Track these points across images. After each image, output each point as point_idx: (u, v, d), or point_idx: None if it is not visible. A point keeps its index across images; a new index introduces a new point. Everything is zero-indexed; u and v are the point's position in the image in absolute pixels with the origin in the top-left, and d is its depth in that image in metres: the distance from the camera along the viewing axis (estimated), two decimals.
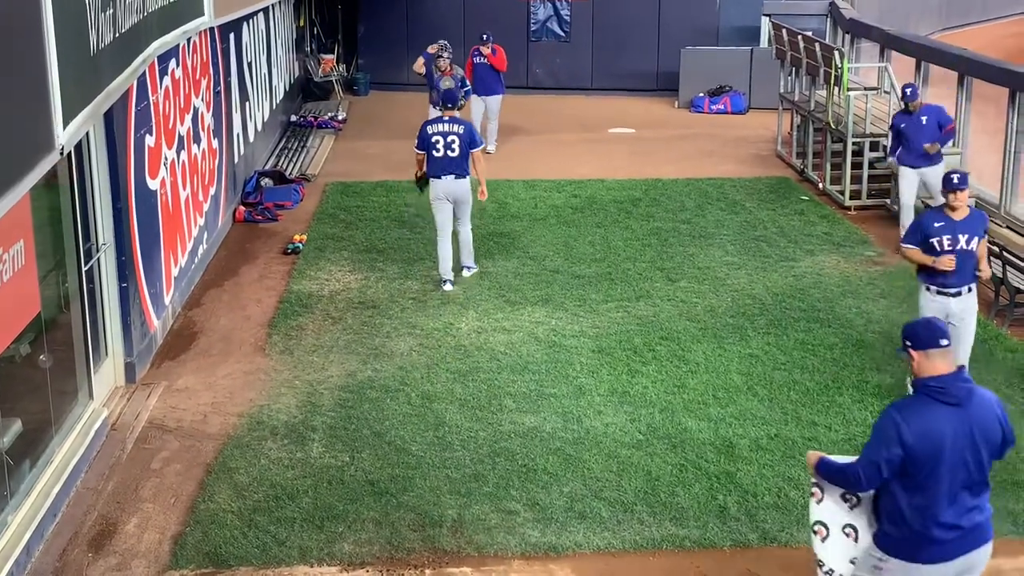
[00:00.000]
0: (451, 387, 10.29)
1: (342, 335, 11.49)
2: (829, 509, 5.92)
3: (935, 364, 5.60)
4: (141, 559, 7.75)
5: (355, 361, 10.86)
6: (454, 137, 12.61)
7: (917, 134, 13.80)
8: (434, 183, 12.75)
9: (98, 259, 9.98)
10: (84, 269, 9.48)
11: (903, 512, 5.59)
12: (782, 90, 19.68)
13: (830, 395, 10.15)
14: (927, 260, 9.47)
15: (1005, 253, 12.05)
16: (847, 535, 5.87)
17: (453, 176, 12.67)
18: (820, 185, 17.11)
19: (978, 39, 30.36)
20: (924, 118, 13.76)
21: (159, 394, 10.26)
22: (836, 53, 16.75)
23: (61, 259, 9.17)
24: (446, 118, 12.79)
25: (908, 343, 5.69)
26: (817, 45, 17.61)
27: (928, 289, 9.63)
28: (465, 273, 13.12)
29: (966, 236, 9.45)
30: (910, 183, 14.08)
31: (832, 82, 16.65)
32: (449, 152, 12.62)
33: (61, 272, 9.17)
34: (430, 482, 8.66)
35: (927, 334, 5.64)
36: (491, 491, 8.54)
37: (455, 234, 13.00)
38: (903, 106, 13.95)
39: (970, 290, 9.63)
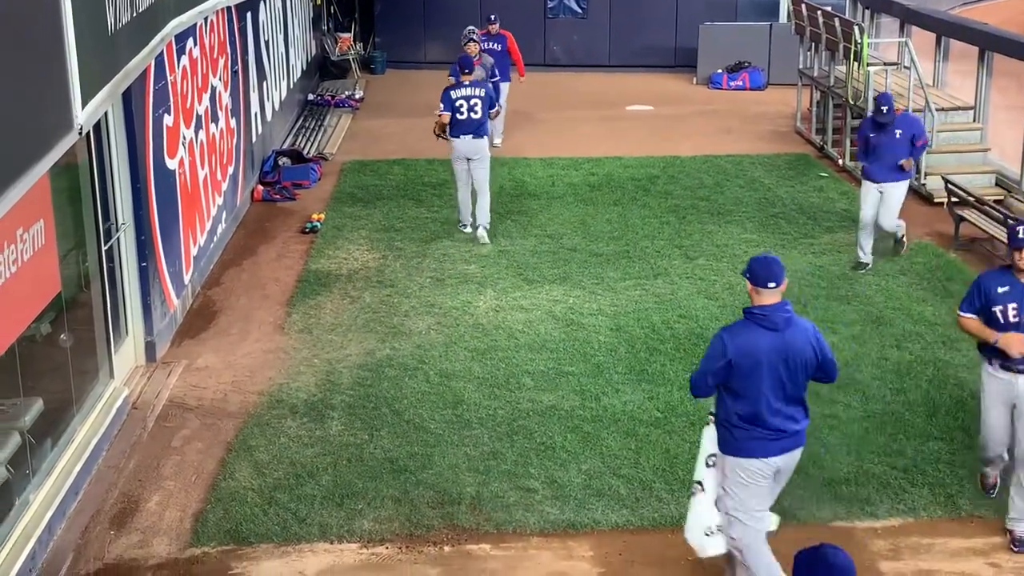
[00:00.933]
0: (469, 365, 10.30)
1: (360, 314, 11.51)
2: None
3: (763, 298, 6.65)
4: (163, 536, 7.80)
5: (373, 340, 10.88)
6: (476, 100, 13.64)
7: (889, 147, 12.35)
8: (455, 144, 13.72)
9: (117, 239, 10.01)
10: (104, 249, 9.51)
11: (732, 417, 6.68)
12: (801, 66, 19.56)
13: (849, 372, 10.12)
14: (989, 336, 7.59)
15: None
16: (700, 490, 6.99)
17: (471, 136, 13.64)
18: (840, 161, 17.03)
19: (999, 14, 30.09)
20: (899, 132, 12.34)
21: (179, 373, 10.31)
22: (856, 28, 16.63)
23: (81, 239, 9.20)
24: (467, 82, 13.74)
25: (747, 275, 6.71)
26: (837, 20, 17.49)
27: (990, 363, 7.71)
28: (481, 232, 13.76)
29: None
30: (872, 200, 12.61)
31: (852, 57, 16.53)
32: (472, 114, 13.61)
33: (81, 252, 9.20)
34: (449, 460, 8.69)
35: (763, 274, 6.62)
36: (509, 469, 8.56)
37: (475, 202, 13.77)
38: (875, 115, 12.49)
39: None
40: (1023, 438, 7.63)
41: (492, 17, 18.47)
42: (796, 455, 6.85)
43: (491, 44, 17.97)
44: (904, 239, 12.99)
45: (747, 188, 15.91)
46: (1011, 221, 12.10)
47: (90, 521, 7.99)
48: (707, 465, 6.89)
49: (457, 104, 13.59)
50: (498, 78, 16.31)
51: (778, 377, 6.59)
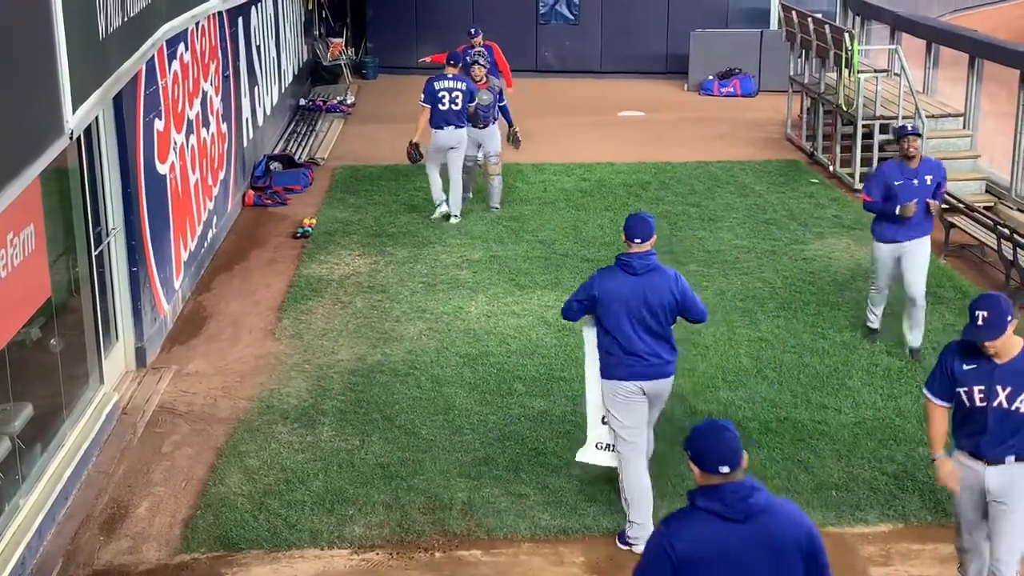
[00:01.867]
0: (461, 371, 10.30)
1: (352, 319, 11.50)
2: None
3: (632, 248, 7.64)
4: (152, 542, 7.78)
5: (365, 345, 10.87)
6: (458, 92, 14.35)
7: (918, 196, 10.26)
8: (436, 134, 14.44)
9: (108, 244, 10.00)
10: (94, 254, 9.49)
11: (605, 347, 7.67)
12: (792, 72, 19.61)
13: (840, 378, 10.14)
14: (930, 448, 6.72)
15: (1016, 235, 12.01)
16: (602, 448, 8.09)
17: (453, 127, 14.39)
18: (830, 168, 17.07)
19: (989, 21, 30.23)
20: (928, 177, 10.32)
21: (169, 378, 10.29)
22: (846, 35, 16.68)
23: (71, 244, 9.18)
24: (450, 75, 14.43)
25: (624, 230, 7.65)
26: (827, 27, 17.54)
27: (960, 450, 6.63)
28: (453, 220, 14.57)
29: (1009, 388, 6.33)
30: (892, 265, 10.52)
31: (842, 64, 16.58)
32: (453, 106, 14.33)
33: (71, 257, 9.18)
34: (440, 465, 8.68)
35: (633, 230, 7.61)
36: (501, 474, 8.55)
37: (446, 179, 14.62)
38: (901, 154, 10.37)
39: (1019, 458, 6.43)
40: (996, 544, 6.60)
41: (473, 30, 17.36)
42: (663, 383, 7.75)
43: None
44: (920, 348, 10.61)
45: (738, 194, 15.94)
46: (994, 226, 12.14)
47: (80, 527, 7.97)
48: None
49: (439, 95, 14.28)
50: (505, 103, 15.04)
51: (640, 314, 7.54)
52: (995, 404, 6.31)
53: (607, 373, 7.72)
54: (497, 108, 14.89)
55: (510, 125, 15.22)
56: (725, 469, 4.62)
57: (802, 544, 4.67)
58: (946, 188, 10.70)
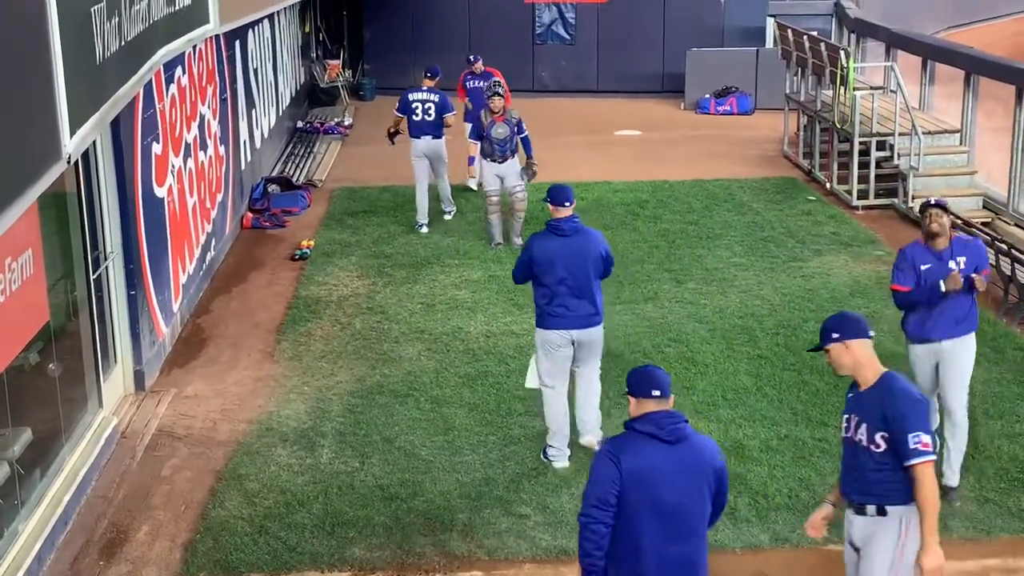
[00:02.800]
0: (460, 391, 10.28)
1: (351, 341, 11.49)
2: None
3: (559, 213, 8.85)
4: (152, 567, 7.75)
5: (364, 366, 10.86)
6: (431, 104, 15.08)
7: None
8: (415, 142, 15.16)
9: (106, 267, 9.99)
10: (92, 277, 9.49)
11: (537, 300, 8.84)
12: (788, 90, 19.66)
13: (840, 395, 10.07)
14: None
15: (1014, 251, 12.02)
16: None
17: (430, 136, 15.11)
18: (827, 185, 17.09)
19: (985, 37, 30.31)
20: (962, 260, 8.33)
21: (168, 401, 10.27)
22: (842, 52, 16.73)
23: (69, 268, 9.18)
24: (425, 87, 15.19)
25: (547, 199, 8.95)
26: (823, 45, 17.59)
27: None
28: (446, 217, 15.43)
29: (856, 418, 6.13)
30: (927, 367, 8.57)
31: (838, 82, 16.62)
32: (426, 116, 15.07)
33: (69, 281, 9.18)
34: (440, 486, 8.66)
35: (558, 197, 8.91)
36: (501, 495, 8.53)
37: (433, 187, 15.34)
38: (924, 233, 8.47)
39: (880, 511, 6.06)
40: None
41: (472, 57, 17.46)
42: (589, 332, 8.83)
43: (477, 82, 16.92)
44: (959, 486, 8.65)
45: (736, 212, 15.95)
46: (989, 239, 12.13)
47: (80, 551, 7.94)
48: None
49: (413, 106, 15.09)
50: (525, 133, 14.32)
51: (568, 271, 8.66)
52: (847, 435, 6.11)
53: (540, 323, 8.87)
54: (517, 140, 14.27)
55: (529, 157, 14.45)
56: (657, 392, 5.54)
57: (716, 470, 5.59)
58: (988, 272, 8.61)
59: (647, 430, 5.50)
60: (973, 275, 8.24)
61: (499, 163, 14.32)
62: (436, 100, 15.06)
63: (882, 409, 5.88)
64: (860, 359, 6.01)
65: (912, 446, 5.73)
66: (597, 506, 5.46)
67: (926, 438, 5.75)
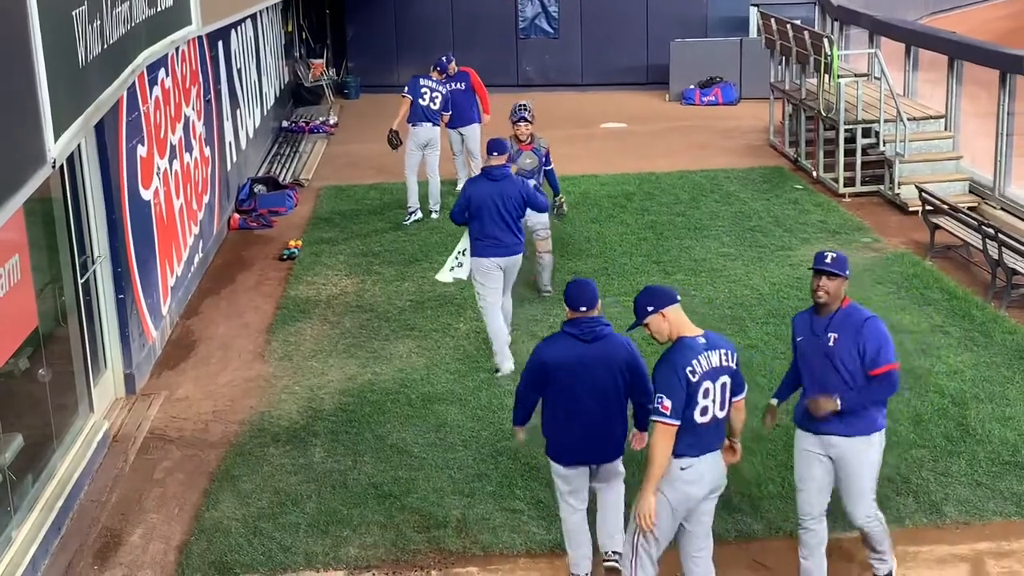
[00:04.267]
0: (451, 388, 10.28)
1: (341, 339, 11.48)
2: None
3: (491, 160, 10.54)
4: (147, 570, 7.74)
5: (354, 365, 10.85)
6: (438, 94, 15.38)
7: (823, 367, 7.00)
8: (415, 132, 15.28)
9: (94, 271, 9.97)
10: (80, 282, 9.47)
11: (473, 233, 10.40)
12: (773, 79, 19.68)
13: None
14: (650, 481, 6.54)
15: (1001, 235, 12.06)
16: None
17: (430, 124, 15.30)
18: (814, 173, 17.12)
19: (966, 22, 30.39)
20: (833, 336, 6.94)
21: (160, 404, 10.25)
22: (825, 41, 16.75)
23: (57, 273, 9.15)
24: (435, 78, 15.54)
25: (484, 152, 10.99)
26: (806, 33, 17.61)
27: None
28: (434, 216, 15.46)
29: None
30: (816, 471, 7.17)
31: (822, 70, 16.64)
32: (432, 104, 15.30)
33: (57, 286, 9.15)
34: (433, 483, 8.66)
35: (493, 147, 10.71)
36: (495, 490, 8.54)
37: (423, 185, 15.43)
38: (814, 302, 7.05)
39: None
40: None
41: (445, 58, 16.12)
42: (513, 259, 10.52)
43: (454, 84, 15.99)
44: None
45: (723, 202, 15.97)
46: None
47: (74, 557, 7.93)
48: (462, 253, 10.70)
49: (422, 90, 15.26)
50: (552, 167, 12.66)
51: (497, 210, 10.29)
52: None
53: (475, 252, 10.45)
54: (543, 173, 12.50)
55: (556, 194, 12.77)
56: (583, 308, 7.09)
57: (628, 363, 7.11)
58: (891, 364, 6.98)
59: (571, 331, 7.09)
60: (830, 404, 6.90)
61: None
62: (443, 93, 15.42)
63: None
64: (675, 323, 6.59)
65: (654, 406, 6.46)
66: (524, 383, 7.25)
67: (668, 402, 6.36)
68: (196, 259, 13.37)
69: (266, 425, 9.71)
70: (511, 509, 8.27)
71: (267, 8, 19.66)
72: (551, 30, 25.37)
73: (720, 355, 6.50)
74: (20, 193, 6.08)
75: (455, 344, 11.25)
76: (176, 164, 12.59)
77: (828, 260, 6.95)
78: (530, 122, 12.45)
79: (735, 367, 6.62)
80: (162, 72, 12.06)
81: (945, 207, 13.43)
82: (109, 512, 8.48)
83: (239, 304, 12.75)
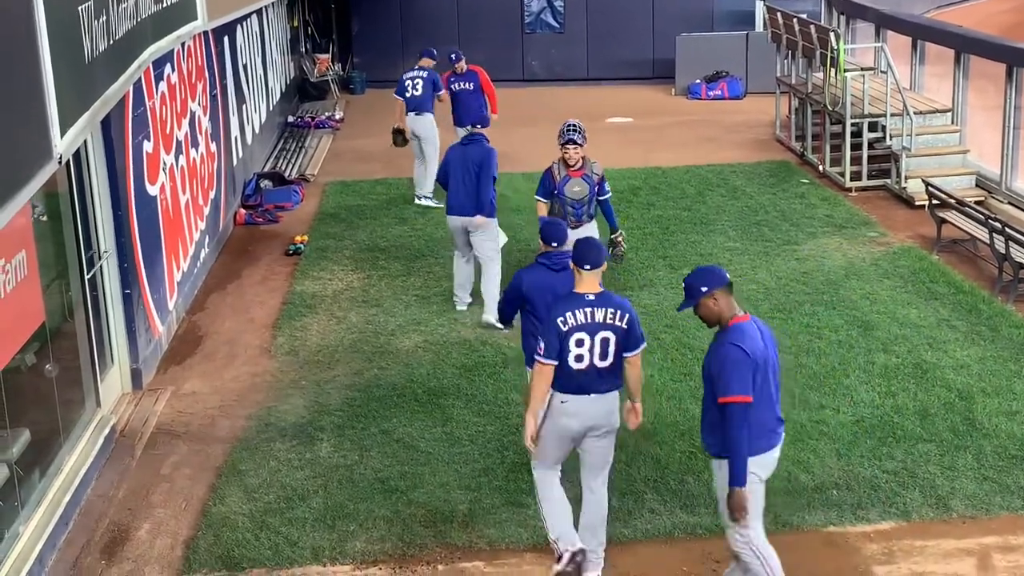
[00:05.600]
0: (457, 383, 10.29)
1: (347, 334, 11.49)
2: None
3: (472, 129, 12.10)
4: (154, 565, 7.76)
5: (361, 360, 10.86)
6: (419, 79, 15.76)
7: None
8: (406, 121, 15.89)
9: (100, 267, 9.98)
10: (87, 277, 9.48)
11: (448, 193, 11.77)
12: (779, 74, 19.65)
13: (837, 378, 10.15)
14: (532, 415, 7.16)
15: (1008, 229, 12.03)
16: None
17: (414, 113, 15.79)
18: (820, 167, 17.09)
19: (973, 16, 30.29)
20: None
21: (166, 399, 10.27)
22: (832, 35, 16.72)
23: (63, 268, 9.17)
24: (417, 67, 16.00)
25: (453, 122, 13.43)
26: (812, 27, 17.58)
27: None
28: (425, 194, 15.93)
29: None
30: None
31: (829, 64, 16.61)
32: (414, 91, 15.78)
33: (64, 281, 9.17)
34: (440, 478, 8.67)
35: (459, 117, 13.81)
36: (501, 484, 8.54)
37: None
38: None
39: None
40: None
41: (454, 56, 16.06)
42: (472, 220, 11.59)
43: (463, 84, 16.06)
44: None
45: (729, 197, 15.95)
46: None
47: (81, 551, 7.94)
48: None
49: (405, 84, 15.80)
50: (608, 194, 11.37)
51: (463, 171, 11.61)
52: None
53: (448, 212, 11.77)
54: (595, 204, 11.18)
55: (613, 230, 11.27)
56: (555, 244, 8.09)
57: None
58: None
59: (543, 262, 8.12)
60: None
61: (571, 228, 10.33)
62: (425, 76, 15.80)
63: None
64: (578, 281, 7.22)
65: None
66: (506, 301, 8.38)
67: (543, 346, 7.10)
68: (202, 254, 13.38)
69: (272, 420, 9.73)
70: (517, 503, 8.27)
71: (273, 3, 19.67)
72: (556, 24, 25.36)
73: (606, 313, 7.13)
74: (26, 189, 6.09)
75: (461, 339, 11.25)
76: (182, 160, 12.60)
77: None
78: (580, 144, 11.08)
79: (625, 326, 7.19)
80: (168, 67, 12.07)
81: (952, 201, 13.40)
82: (116, 507, 8.50)
83: (245, 299, 12.76)
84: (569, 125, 11.25)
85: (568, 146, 11.05)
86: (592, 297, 7.14)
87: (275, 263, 13.93)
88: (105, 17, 7.85)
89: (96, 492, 8.69)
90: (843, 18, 20.79)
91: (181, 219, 12.44)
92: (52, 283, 8.83)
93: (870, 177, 16.26)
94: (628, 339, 7.23)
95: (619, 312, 7.18)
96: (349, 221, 15.40)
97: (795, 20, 18.32)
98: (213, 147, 14.40)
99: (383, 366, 10.69)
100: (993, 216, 12.71)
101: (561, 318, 7.07)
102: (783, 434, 6.89)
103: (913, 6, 27.24)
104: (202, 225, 13.45)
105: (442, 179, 11.82)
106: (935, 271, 12.71)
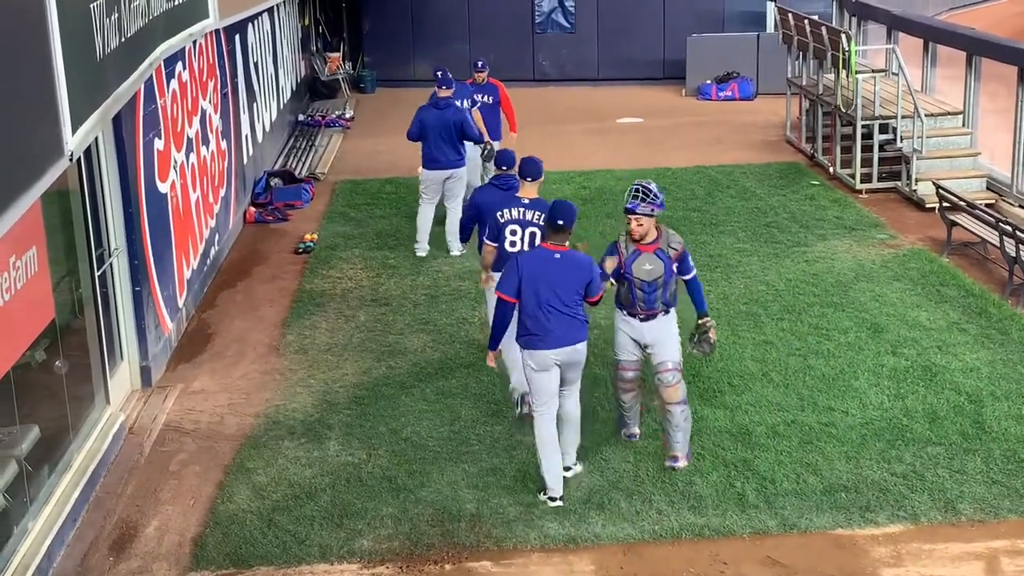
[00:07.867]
0: (466, 382, 10.29)
1: (356, 333, 11.50)
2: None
3: (441, 92, 13.51)
4: (162, 562, 7.77)
5: (369, 358, 10.87)
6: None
7: None
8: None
9: (111, 264, 10.00)
10: (97, 274, 9.50)
11: (424, 153, 13.55)
12: (790, 75, 19.62)
13: (846, 380, 10.13)
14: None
15: (1018, 232, 12.00)
16: None
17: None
18: (831, 169, 17.07)
19: (985, 18, 30.24)
20: None
21: (175, 397, 10.29)
22: (843, 36, 16.69)
23: (74, 265, 9.19)
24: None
25: (436, 86, 14.01)
26: (824, 28, 17.55)
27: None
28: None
29: None
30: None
31: (840, 65, 16.58)
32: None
33: (74, 278, 9.19)
34: (447, 477, 8.67)
35: (441, 81, 13.69)
36: (509, 484, 8.54)
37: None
38: None
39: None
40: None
41: (480, 64, 15.20)
42: (453, 171, 13.66)
43: (481, 96, 15.10)
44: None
45: (739, 198, 15.94)
46: (1003, 224, 12.14)
47: (89, 548, 7.96)
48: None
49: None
50: (693, 271, 8.88)
51: (439, 132, 13.35)
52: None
53: (424, 165, 13.54)
54: (674, 285, 8.70)
55: (702, 315, 8.95)
56: (504, 168, 10.18)
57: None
58: None
59: (495, 183, 9.98)
60: None
61: (640, 320, 8.71)
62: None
63: None
64: (525, 189, 9.51)
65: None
66: (465, 216, 10.43)
67: (487, 230, 9.55)
68: (212, 252, 13.40)
69: (281, 418, 9.74)
70: (525, 503, 8.28)
71: (284, 2, 19.69)
72: (568, 24, 25.34)
73: (535, 214, 9.30)
74: (37, 186, 6.11)
75: (469, 338, 11.26)
76: (193, 157, 12.63)
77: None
78: (647, 215, 8.44)
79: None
80: (179, 65, 12.09)
81: (962, 204, 13.37)
82: (125, 504, 8.52)
83: (255, 297, 12.78)
84: (637, 187, 8.49)
85: (630, 216, 8.50)
86: (527, 201, 9.40)
87: (285, 261, 13.95)
88: (117, 15, 7.87)
89: (105, 489, 8.71)
90: (855, 20, 20.74)
91: (191, 217, 12.46)
92: (62, 280, 8.85)
93: (880, 179, 16.23)
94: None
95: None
96: (359, 220, 15.41)
97: (806, 21, 18.29)
98: (224, 145, 14.42)
99: (392, 365, 10.70)
100: (1004, 219, 12.68)
101: (500, 212, 9.39)
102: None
103: (925, 8, 27.21)
104: (212, 223, 13.47)
105: (415, 135, 13.57)
106: (945, 274, 12.68)
